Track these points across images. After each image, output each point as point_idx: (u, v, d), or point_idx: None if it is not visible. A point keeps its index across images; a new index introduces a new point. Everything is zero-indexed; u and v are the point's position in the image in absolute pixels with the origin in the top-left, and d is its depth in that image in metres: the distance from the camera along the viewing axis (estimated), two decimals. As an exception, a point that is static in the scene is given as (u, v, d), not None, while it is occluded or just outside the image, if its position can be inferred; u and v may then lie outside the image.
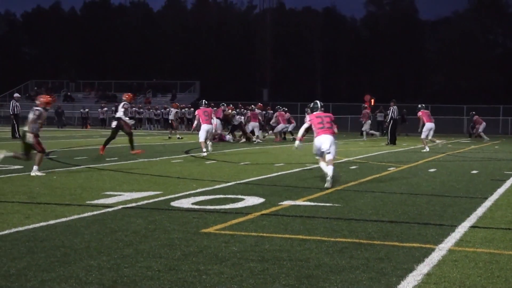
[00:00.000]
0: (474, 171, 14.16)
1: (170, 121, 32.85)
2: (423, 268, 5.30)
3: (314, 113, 11.97)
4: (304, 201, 9.01)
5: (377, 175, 12.93)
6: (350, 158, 17.65)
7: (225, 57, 73.73)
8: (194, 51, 74.34)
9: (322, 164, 11.36)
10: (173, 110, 32.64)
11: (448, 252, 5.91)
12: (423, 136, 21.89)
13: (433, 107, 52.32)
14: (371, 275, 5.07)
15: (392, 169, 14.48)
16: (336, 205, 8.67)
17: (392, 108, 26.69)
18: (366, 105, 34.23)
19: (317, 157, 11.65)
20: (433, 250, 5.96)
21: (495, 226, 7.28)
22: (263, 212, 7.96)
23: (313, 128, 11.66)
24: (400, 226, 7.20)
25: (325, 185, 10.71)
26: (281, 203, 8.72)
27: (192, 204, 8.55)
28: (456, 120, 50.23)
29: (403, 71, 70.09)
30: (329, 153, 11.26)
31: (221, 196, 9.37)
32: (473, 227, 7.18)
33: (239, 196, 9.29)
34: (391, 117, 26.60)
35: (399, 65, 70.17)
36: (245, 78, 72.57)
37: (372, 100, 42.63)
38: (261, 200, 8.96)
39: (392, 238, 6.48)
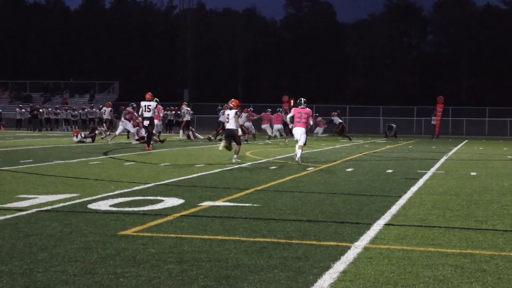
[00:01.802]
0: (389, 170, 14.57)
1: (104, 120, 32.58)
2: (339, 265, 5.41)
3: (297, 108, 16.40)
4: (223, 201, 9.02)
5: (296, 175, 13.10)
6: (270, 159, 17.81)
7: (145, 57, 72.88)
8: (113, 51, 73.12)
9: (297, 146, 16.19)
10: (107, 109, 32.24)
11: (364, 249, 6.05)
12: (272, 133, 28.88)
13: (352, 107, 53.57)
14: (288, 274, 5.13)
15: (311, 169, 14.70)
16: (256, 205, 8.72)
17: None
18: (285, 106, 34.58)
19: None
20: (349, 248, 6.09)
21: (408, 223, 7.51)
22: (183, 213, 7.92)
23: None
24: (318, 225, 7.32)
25: (295, 160, 15.95)
26: (200, 204, 8.70)
27: (110, 206, 8.40)
28: (373, 120, 51.55)
29: (324, 72, 71.18)
30: (299, 140, 16.06)
31: (140, 197, 9.26)
32: (387, 224, 7.38)
33: (158, 198, 9.21)
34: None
35: (321, 66, 71.22)
36: (166, 78, 71.94)
37: (292, 101, 43.10)
38: (181, 201, 8.91)
39: (310, 237, 6.57)
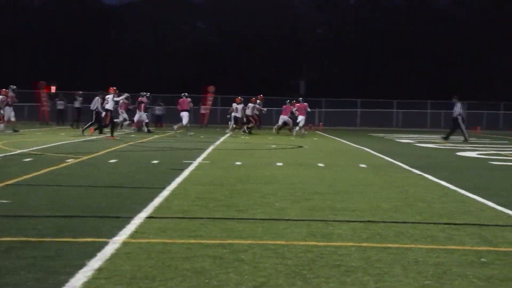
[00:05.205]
0: (155, 161, 14.39)
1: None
2: (95, 263, 5.10)
3: (298, 104, 29.10)
4: (-31, 198, 8.15)
5: (54, 168, 12.31)
6: (24, 150, 16.56)
7: None
8: None
9: (296, 128, 28.32)
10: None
11: (122, 244, 5.78)
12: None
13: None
14: (37, 275, 4.73)
15: (70, 160, 13.95)
16: (5, 201, 7.99)
17: (106, 97, 27.11)
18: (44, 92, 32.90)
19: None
20: (106, 243, 5.77)
21: (170, 215, 7.36)
22: None
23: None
24: (74, 221, 6.89)
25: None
26: None
27: None
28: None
29: (89, 57, 68.27)
30: (300, 122, 28.32)
31: None
32: (149, 217, 7.16)
33: None
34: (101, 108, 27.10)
35: (85, 50, 68.09)
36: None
37: (52, 88, 40.53)
38: None
39: (65, 234, 6.15)
